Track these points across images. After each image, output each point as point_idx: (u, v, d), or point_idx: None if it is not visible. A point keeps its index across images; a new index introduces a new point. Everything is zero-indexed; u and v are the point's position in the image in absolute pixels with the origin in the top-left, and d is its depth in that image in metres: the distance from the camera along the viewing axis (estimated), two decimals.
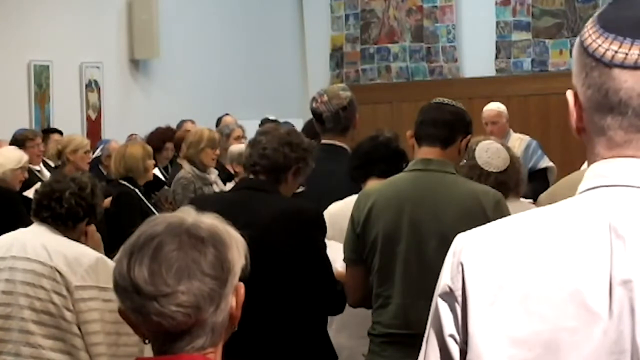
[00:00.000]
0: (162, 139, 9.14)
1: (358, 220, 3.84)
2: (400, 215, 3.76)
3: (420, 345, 1.52)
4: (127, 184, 7.16)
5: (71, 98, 11.11)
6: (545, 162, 8.27)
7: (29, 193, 5.96)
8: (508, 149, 4.50)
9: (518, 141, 8.32)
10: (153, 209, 7.09)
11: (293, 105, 12.51)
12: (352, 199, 4.10)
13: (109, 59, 11.52)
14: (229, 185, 7.25)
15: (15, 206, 6.56)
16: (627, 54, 1.42)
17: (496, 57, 12.68)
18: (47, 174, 8.22)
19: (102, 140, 10.28)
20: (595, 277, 1.39)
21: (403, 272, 3.75)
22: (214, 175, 7.70)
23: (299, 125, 7.17)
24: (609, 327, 1.37)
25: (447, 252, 1.51)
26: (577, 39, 1.50)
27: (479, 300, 1.43)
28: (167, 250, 1.81)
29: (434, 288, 1.51)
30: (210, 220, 1.88)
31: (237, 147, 7.55)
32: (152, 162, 7.42)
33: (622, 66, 1.43)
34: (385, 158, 4.43)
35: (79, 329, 3.85)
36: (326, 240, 3.95)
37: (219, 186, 7.57)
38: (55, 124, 10.46)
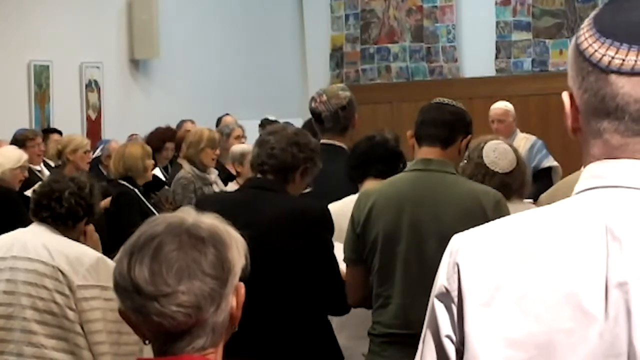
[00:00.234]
0: (162, 139, 9.14)
1: (358, 220, 3.84)
2: (401, 215, 3.76)
3: None
4: (127, 184, 7.16)
5: (71, 98, 11.11)
6: (549, 162, 8.22)
7: (30, 193, 5.95)
8: (516, 151, 4.50)
9: (524, 140, 8.31)
10: (153, 209, 7.09)
11: (293, 105, 12.51)
12: (351, 199, 4.10)
13: (109, 59, 11.52)
14: (231, 185, 7.24)
15: (15, 206, 6.55)
16: (624, 60, 1.42)
17: (496, 57, 12.69)
18: (47, 173, 8.22)
19: (102, 140, 10.28)
20: (591, 279, 1.39)
21: (403, 272, 3.75)
22: (214, 175, 7.70)
23: (298, 125, 7.17)
24: (604, 330, 1.37)
25: None
26: (573, 41, 1.50)
27: (475, 301, 1.43)
28: (167, 250, 1.81)
29: None
30: (210, 220, 1.88)
31: (239, 147, 7.54)
32: (152, 162, 7.41)
33: (619, 72, 1.42)
34: (382, 158, 4.43)
35: (82, 328, 3.86)
36: None
37: (219, 186, 7.56)
38: (55, 124, 10.46)
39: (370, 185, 4.29)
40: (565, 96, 1.50)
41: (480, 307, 1.42)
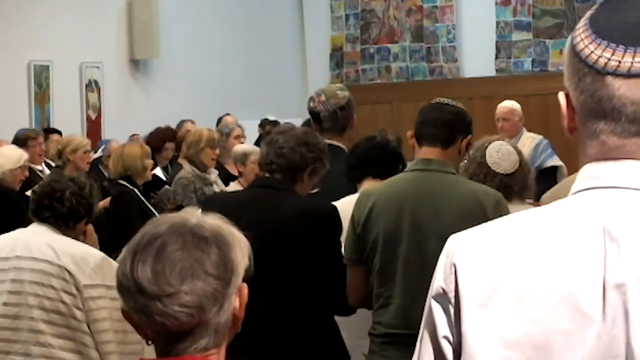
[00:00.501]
0: (162, 139, 9.14)
1: (359, 220, 3.84)
2: (401, 215, 3.76)
3: None
4: (126, 184, 7.16)
5: (71, 98, 11.10)
6: (554, 161, 8.15)
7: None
8: (520, 154, 4.50)
9: (529, 140, 8.28)
10: (152, 209, 7.09)
11: (293, 105, 12.51)
12: (350, 199, 4.10)
13: (109, 59, 11.51)
14: (233, 185, 7.23)
15: (16, 206, 6.55)
16: (620, 62, 1.42)
17: (496, 57, 12.68)
18: (48, 173, 8.21)
19: (103, 140, 10.28)
20: (589, 280, 1.38)
21: (403, 272, 3.75)
22: (214, 175, 7.70)
23: (298, 126, 7.16)
24: (602, 331, 1.37)
25: None
26: (569, 41, 1.49)
27: (472, 302, 1.42)
28: (170, 250, 1.81)
29: None
30: (213, 221, 1.87)
31: (241, 147, 7.54)
32: (151, 161, 7.41)
33: (615, 74, 1.42)
34: (381, 159, 4.43)
35: (88, 327, 3.87)
36: None
37: (219, 186, 7.56)
38: (55, 124, 10.46)
39: (369, 185, 4.30)
40: (561, 96, 1.50)
41: (478, 307, 1.42)
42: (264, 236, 3.69)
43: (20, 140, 8.44)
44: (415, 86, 12.84)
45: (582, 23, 1.48)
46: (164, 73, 12.08)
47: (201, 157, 7.65)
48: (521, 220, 1.48)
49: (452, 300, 1.45)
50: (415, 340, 1.53)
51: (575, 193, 1.47)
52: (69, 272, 3.88)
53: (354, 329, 4.18)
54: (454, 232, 1.53)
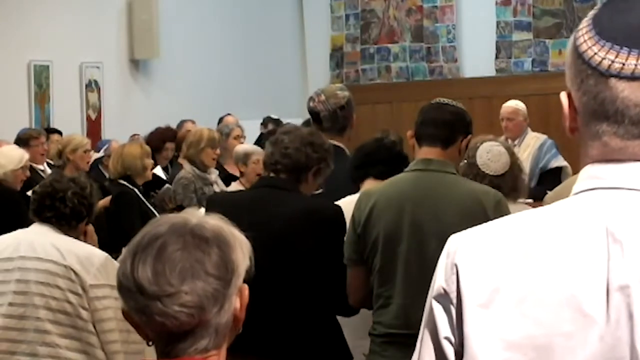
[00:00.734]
0: (162, 139, 9.14)
1: (359, 221, 3.84)
2: (401, 215, 3.76)
3: None
4: (126, 184, 7.16)
5: (71, 98, 11.10)
6: (559, 162, 8.12)
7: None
8: (512, 155, 4.50)
9: (534, 139, 8.27)
10: (152, 209, 7.10)
11: (293, 105, 12.51)
12: (351, 199, 4.10)
13: (109, 59, 11.52)
14: (234, 185, 7.23)
15: (17, 206, 6.55)
16: (624, 64, 1.41)
17: (496, 57, 12.68)
18: (50, 173, 8.21)
19: (103, 140, 10.28)
20: (592, 282, 1.38)
21: (404, 272, 3.75)
22: (214, 175, 7.70)
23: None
24: (606, 333, 1.36)
25: None
26: (571, 42, 1.48)
27: (473, 303, 1.42)
28: (171, 250, 1.80)
29: None
30: (214, 221, 1.87)
31: (242, 147, 7.54)
32: (151, 161, 7.42)
33: (619, 76, 1.41)
34: (385, 161, 4.43)
35: (94, 327, 3.87)
36: None
37: (219, 186, 7.56)
38: (55, 124, 10.46)
39: (370, 185, 4.30)
40: (563, 97, 1.50)
41: (479, 308, 1.41)
42: (269, 235, 3.70)
43: (23, 140, 8.44)
44: (415, 86, 12.84)
45: (585, 23, 1.47)
46: (164, 73, 12.08)
47: (202, 157, 7.65)
48: (523, 220, 1.47)
49: (454, 301, 1.44)
50: (416, 340, 1.53)
51: (577, 193, 1.46)
52: (74, 272, 3.89)
53: (355, 329, 4.18)
54: (454, 232, 1.53)
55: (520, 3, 12.54)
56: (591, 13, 1.49)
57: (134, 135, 9.93)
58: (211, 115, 10.67)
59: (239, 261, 1.85)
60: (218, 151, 7.80)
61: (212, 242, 1.83)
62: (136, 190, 7.15)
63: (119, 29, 11.72)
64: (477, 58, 12.69)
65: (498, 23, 12.67)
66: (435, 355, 1.46)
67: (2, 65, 10.33)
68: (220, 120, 10.11)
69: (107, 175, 8.40)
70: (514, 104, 8.41)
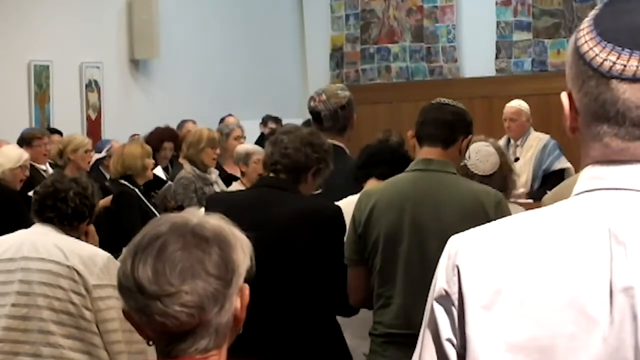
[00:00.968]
0: (160, 139, 9.14)
1: (359, 221, 3.84)
2: (402, 215, 3.76)
3: None
4: (127, 184, 7.17)
5: (71, 98, 11.11)
6: (562, 164, 8.08)
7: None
8: (502, 155, 4.51)
9: (536, 140, 8.25)
10: (153, 209, 7.10)
11: (293, 105, 12.51)
12: (351, 200, 4.10)
13: (109, 59, 11.52)
14: (235, 185, 7.22)
15: (16, 206, 6.55)
16: (625, 66, 1.40)
17: (496, 57, 12.68)
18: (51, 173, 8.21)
19: (103, 140, 10.28)
20: (595, 283, 1.37)
21: (404, 272, 3.75)
22: (214, 175, 7.70)
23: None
24: (609, 335, 1.36)
25: None
26: (572, 42, 1.47)
27: (476, 304, 1.41)
28: (171, 250, 1.80)
29: None
30: (215, 221, 1.86)
31: (244, 147, 7.54)
32: (151, 161, 7.42)
33: (620, 78, 1.41)
34: (388, 162, 4.43)
35: (97, 327, 3.87)
36: None
37: (219, 186, 7.56)
38: (55, 124, 10.47)
39: (372, 186, 4.30)
40: (564, 97, 1.49)
41: (482, 310, 1.40)
42: (268, 236, 3.69)
43: (26, 140, 8.45)
44: (415, 86, 12.84)
45: (586, 24, 1.46)
46: (164, 73, 12.08)
47: (202, 157, 7.65)
48: (524, 221, 1.46)
49: (456, 303, 1.43)
50: (416, 340, 1.52)
51: (578, 194, 1.46)
52: (77, 272, 3.88)
53: (356, 329, 4.18)
54: (454, 232, 1.52)
55: (520, 3, 12.54)
56: (592, 13, 1.48)
57: (134, 135, 9.93)
58: (211, 115, 10.67)
59: (240, 261, 1.84)
60: (218, 151, 7.80)
61: (212, 242, 1.82)
62: (137, 190, 7.15)
63: (119, 29, 11.72)
64: (477, 58, 12.69)
65: (498, 23, 12.67)
66: (437, 357, 1.46)
67: (2, 65, 10.34)
68: (222, 120, 10.11)
69: (107, 175, 8.41)
70: (517, 104, 8.38)
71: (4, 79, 10.36)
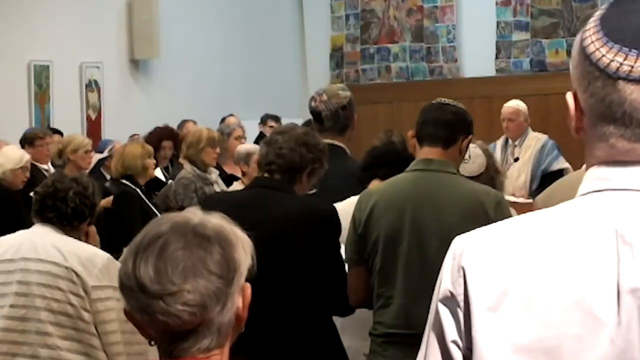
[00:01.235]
0: (159, 138, 9.14)
1: (360, 221, 3.84)
2: (402, 215, 3.76)
3: None
4: (128, 183, 7.17)
5: (71, 98, 11.11)
6: (561, 164, 8.09)
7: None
8: (490, 157, 4.53)
9: (534, 140, 8.24)
10: (154, 209, 7.10)
11: (293, 105, 12.51)
12: (352, 200, 4.10)
13: (109, 59, 11.52)
14: (236, 185, 7.22)
15: (16, 207, 6.55)
16: (632, 67, 1.40)
17: (496, 57, 12.68)
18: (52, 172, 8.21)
19: (104, 140, 10.28)
20: (602, 284, 1.37)
21: (404, 272, 3.75)
22: (214, 175, 7.70)
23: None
24: (616, 336, 1.35)
25: None
26: (578, 42, 1.46)
27: (481, 306, 1.40)
28: (172, 249, 1.80)
29: None
30: (216, 220, 1.86)
31: (244, 147, 7.54)
32: (152, 161, 7.43)
33: (627, 79, 1.40)
34: (392, 164, 4.43)
35: (96, 329, 3.86)
36: None
37: (219, 186, 7.56)
38: (55, 124, 10.47)
39: (374, 185, 4.30)
40: (569, 97, 1.48)
41: (488, 311, 1.40)
42: (263, 236, 3.68)
43: (28, 140, 8.46)
44: (415, 86, 12.84)
45: (592, 24, 1.46)
46: (164, 73, 12.08)
47: (202, 157, 7.65)
48: (530, 221, 1.46)
49: (461, 304, 1.43)
50: (416, 340, 1.51)
51: (584, 194, 1.45)
52: (76, 273, 3.86)
53: (356, 329, 4.19)
54: (455, 232, 1.52)
55: (519, 3, 12.54)
56: (598, 13, 1.47)
57: (134, 135, 9.93)
58: (211, 115, 10.68)
59: (241, 260, 1.84)
60: (218, 150, 7.80)
61: (213, 241, 1.82)
62: (138, 190, 7.16)
63: (119, 29, 11.72)
64: (477, 58, 12.68)
65: (498, 23, 12.67)
66: (442, 359, 1.45)
67: (2, 65, 10.34)
68: (223, 120, 10.12)
69: (107, 176, 8.41)
70: (515, 104, 8.38)
71: (4, 79, 10.36)
